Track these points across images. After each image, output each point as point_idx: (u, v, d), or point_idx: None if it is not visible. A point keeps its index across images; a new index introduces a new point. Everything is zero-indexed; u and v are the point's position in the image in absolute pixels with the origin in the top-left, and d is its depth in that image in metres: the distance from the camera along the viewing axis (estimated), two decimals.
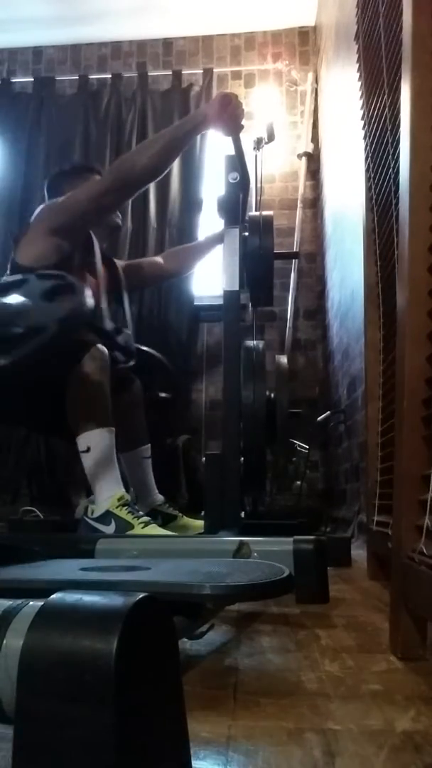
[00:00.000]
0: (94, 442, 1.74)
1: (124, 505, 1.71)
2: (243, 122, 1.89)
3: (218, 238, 2.14)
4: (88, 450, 1.73)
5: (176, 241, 3.43)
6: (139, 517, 1.70)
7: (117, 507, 1.70)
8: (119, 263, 2.25)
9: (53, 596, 0.42)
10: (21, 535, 2.16)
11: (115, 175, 1.88)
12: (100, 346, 1.80)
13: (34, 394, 1.83)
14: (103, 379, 1.77)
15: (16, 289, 1.67)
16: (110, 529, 1.68)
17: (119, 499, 1.71)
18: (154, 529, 1.69)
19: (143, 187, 2.00)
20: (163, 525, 1.85)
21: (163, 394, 2.18)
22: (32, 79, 3.93)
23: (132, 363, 2.04)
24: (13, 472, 3.45)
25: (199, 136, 3.60)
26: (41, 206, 2.00)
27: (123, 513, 1.69)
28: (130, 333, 2.08)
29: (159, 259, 2.41)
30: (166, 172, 1.92)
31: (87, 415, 1.75)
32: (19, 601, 0.44)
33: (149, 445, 2.16)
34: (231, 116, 1.81)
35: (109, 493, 1.72)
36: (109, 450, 1.75)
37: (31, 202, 3.67)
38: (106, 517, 1.70)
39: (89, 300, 1.74)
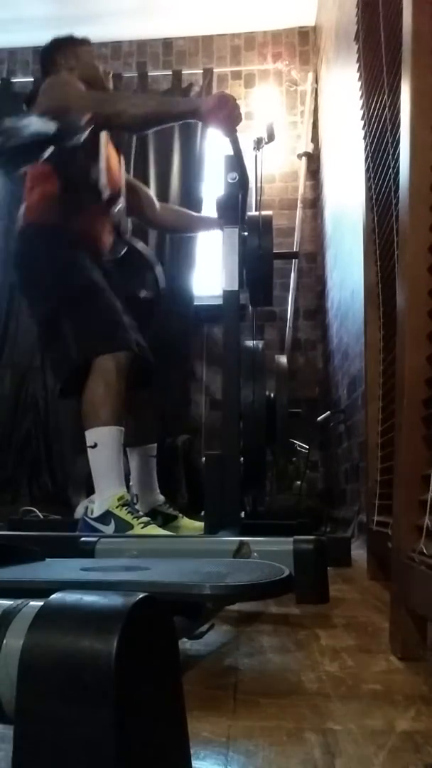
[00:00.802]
0: (102, 439, 1.76)
1: (124, 505, 1.71)
2: (241, 123, 1.89)
3: (215, 223, 2.15)
4: (95, 446, 1.76)
5: (176, 239, 3.44)
6: (138, 518, 1.70)
7: (117, 507, 1.70)
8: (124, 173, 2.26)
9: (53, 596, 0.42)
10: (21, 535, 2.16)
11: (103, 109, 1.89)
12: (128, 354, 1.84)
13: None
14: (120, 380, 1.81)
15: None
16: (110, 529, 1.69)
17: (119, 499, 1.72)
18: (154, 530, 1.69)
19: (119, 131, 2.11)
20: (162, 525, 1.85)
21: (144, 294, 2.16)
22: (32, 79, 3.92)
23: (122, 250, 2.06)
24: (13, 472, 3.45)
25: (199, 136, 3.63)
26: (48, 80, 2.04)
27: (123, 513, 1.70)
28: (123, 209, 2.10)
29: (157, 203, 2.39)
30: (143, 132, 1.97)
31: (99, 412, 1.78)
32: (19, 601, 0.44)
33: (156, 444, 2.17)
34: (227, 117, 1.82)
35: (109, 493, 1.73)
36: (116, 448, 1.78)
37: None
38: (106, 517, 1.71)
39: (80, 138, 1.80)
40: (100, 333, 1.85)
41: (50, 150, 1.76)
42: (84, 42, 2.20)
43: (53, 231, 1.94)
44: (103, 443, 1.75)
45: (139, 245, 2.19)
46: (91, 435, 1.77)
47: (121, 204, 2.08)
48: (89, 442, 1.77)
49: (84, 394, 1.80)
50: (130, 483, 2.10)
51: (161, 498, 2.12)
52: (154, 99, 2.02)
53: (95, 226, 2.02)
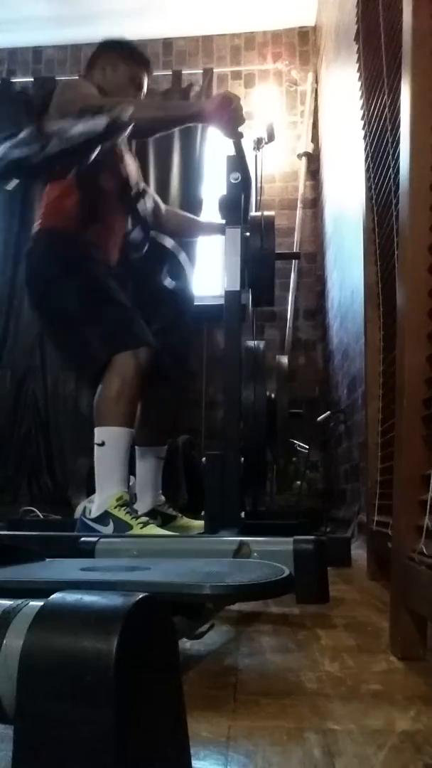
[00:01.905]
0: (111, 439, 1.76)
1: (122, 506, 1.71)
2: (243, 123, 1.89)
3: (218, 228, 2.15)
4: (102, 444, 1.76)
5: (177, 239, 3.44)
6: (137, 518, 1.70)
7: (115, 507, 1.70)
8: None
9: (53, 596, 0.42)
10: (21, 535, 2.16)
11: (109, 114, 1.87)
12: (146, 349, 1.83)
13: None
14: (137, 380, 1.80)
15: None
16: (108, 529, 1.69)
17: (118, 500, 1.72)
18: (153, 529, 1.69)
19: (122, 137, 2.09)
20: (162, 525, 1.86)
21: (171, 283, 2.16)
22: (32, 79, 3.93)
23: (144, 248, 2.06)
24: (13, 472, 3.45)
25: (199, 136, 3.62)
26: (64, 82, 2.04)
27: (121, 514, 1.70)
28: (148, 206, 2.11)
29: (162, 206, 2.39)
30: (149, 138, 1.96)
31: (111, 411, 1.77)
32: (19, 601, 0.44)
33: (166, 447, 2.17)
34: (230, 117, 1.82)
35: (109, 493, 1.73)
36: (123, 450, 1.77)
37: (31, 203, 3.67)
38: (105, 518, 1.70)
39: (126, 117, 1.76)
40: (120, 330, 1.84)
41: (96, 151, 1.73)
42: (134, 60, 2.10)
43: (67, 235, 1.94)
44: (110, 443, 1.75)
45: (161, 237, 2.19)
46: (101, 433, 1.77)
47: (147, 201, 2.09)
48: (97, 440, 1.77)
49: (99, 391, 1.80)
50: (130, 483, 2.10)
51: (162, 498, 2.12)
52: (160, 104, 2.01)
53: (107, 238, 2.01)
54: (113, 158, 1.97)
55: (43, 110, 2.06)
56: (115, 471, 1.76)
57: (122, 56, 2.07)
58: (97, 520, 1.71)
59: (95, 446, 1.77)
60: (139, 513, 1.77)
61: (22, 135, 1.73)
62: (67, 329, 1.93)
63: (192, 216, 2.61)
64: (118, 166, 2.00)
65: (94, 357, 1.83)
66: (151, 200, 2.27)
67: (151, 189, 2.83)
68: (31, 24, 3.82)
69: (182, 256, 2.24)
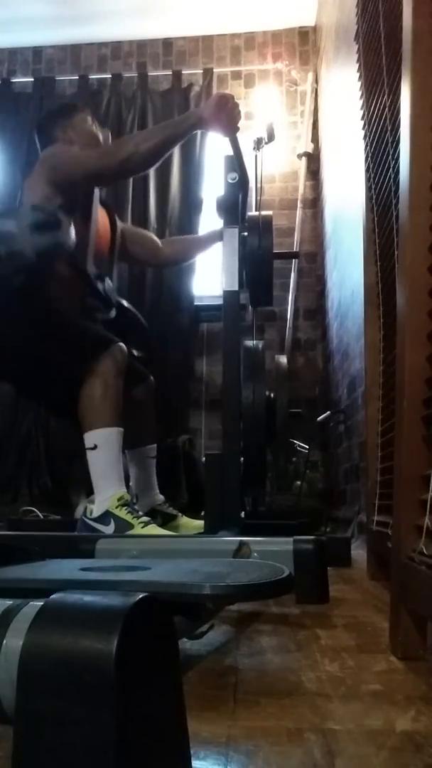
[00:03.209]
0: (102, 441, 1.75)
1: (123, 505, 1.71)
2: (241, 122, 1.89)
3: (218, 235, 2.15)
4: (95, 447, 1.75)
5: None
6: (138, 517, 1.70)
7: (116, 507, 1.70)
8: (120, 223, 2.24)
9: (53, 596, 0.42)
10: (21, 535, 2.16)
11: (113, 159, 1.89)
12: (121, 345, 1.83)
13: (46, 374, 1.86)
14: (119, 379, 1.79)
15: (8, 217, 1.84)
16: (109, 529, 1.69)
17: (119, 499, 1.71)
18: (154, 529, 1.69)
19: (135, 174, 2.18)
20: (162, 525, 1.85)
21: (136, 353, 2.16)
22: (32, 79, 3.93)
23: (112, 314, 2.04)
24: (13, 472, 3.45)
25: (199, 137, 3.62)
26: (48, 150, 2.02)
27: (122, 513, 1.70)
28: (112, 285, 2.08)
29: (158, 241, 2.40)
30: (158, 164, 1.95)
31: (98, 413, 1.76)
32: (19, 601, 0.44)
33: (155, 445, 2.17)
34: (228, 117, 1.82)
35: (109, 493, 1.73)
36: (116, 450, 1.77)
37: None
38: (106, 517, 1.70)
39: (70, 239, 1.82)
40: (87, 340, 1.83)
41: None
42: (76, 109, 2.17)
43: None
44: (103, 445, 1.74)
45: (126, 304, 2.18)
46: (91, 437, 1.75)
47: (107, 282, 2.04)
48: (89, 444, 1.75)
49: (81, 399, 1.77)
50: (130, 483, 2.10)
51: (161, 497, 2.12)
52: (158, 128, 2.02)
53: (66, 291, 1.95)
54: (81, 228, 1.93)
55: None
56: (112, 471, 1.75)
57: (67, 116, 2.12)
58: (98, 519, 1.71)
59: (87, 451, 1.75)
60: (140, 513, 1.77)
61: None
62: (32, 358, 1.86)
63: (190, 237, 2.64)
64: (79, 249, 1.93)
65: (70, 372, 1.80)
66: (145, 243, 2.32)
67: (150, 225, 2.83)
68: (31, 24, 3.82)
69: (144, 323, 2.27)
